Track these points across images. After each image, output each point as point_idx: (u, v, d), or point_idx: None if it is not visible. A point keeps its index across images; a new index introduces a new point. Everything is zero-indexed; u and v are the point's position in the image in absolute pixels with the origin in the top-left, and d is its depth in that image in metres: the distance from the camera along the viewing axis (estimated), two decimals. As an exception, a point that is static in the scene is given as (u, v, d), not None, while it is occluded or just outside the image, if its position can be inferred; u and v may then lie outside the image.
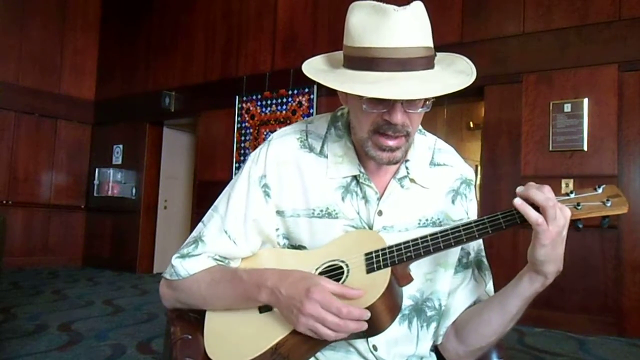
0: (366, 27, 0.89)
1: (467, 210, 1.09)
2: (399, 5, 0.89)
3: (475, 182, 1.15)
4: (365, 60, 0.89)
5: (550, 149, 4.19)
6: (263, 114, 5.90)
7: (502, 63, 4.48)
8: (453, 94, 0.89)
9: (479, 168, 4.86)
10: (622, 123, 3.98)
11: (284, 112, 5.74)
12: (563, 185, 4.02)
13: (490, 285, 1.09)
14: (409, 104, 0.90)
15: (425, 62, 0.89)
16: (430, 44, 0.92)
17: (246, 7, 6.20)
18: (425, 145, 1.09)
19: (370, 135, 0.94)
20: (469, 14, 4.68)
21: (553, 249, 0.87)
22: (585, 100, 4.09)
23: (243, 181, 1.06)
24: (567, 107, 4.15)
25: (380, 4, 0.89)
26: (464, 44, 4.63)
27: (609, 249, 3.93)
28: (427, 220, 1.04)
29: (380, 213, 1.01)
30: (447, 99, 5.65)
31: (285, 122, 5.64)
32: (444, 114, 6.16)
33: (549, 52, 4.28)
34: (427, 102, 0.92)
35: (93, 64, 7.72)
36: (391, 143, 0.93)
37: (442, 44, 4.52)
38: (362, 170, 1.02)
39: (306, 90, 5.54)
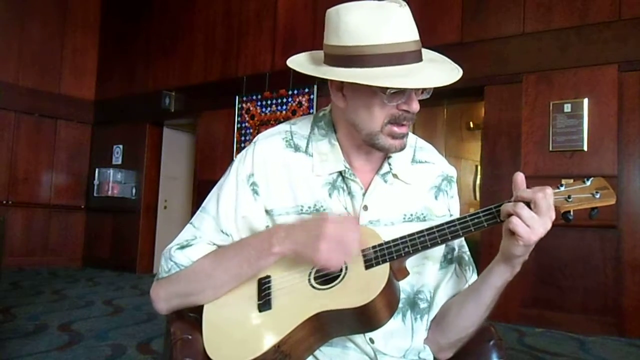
0: (374, 23, 0.93)
1: (450, 207, 1.12)
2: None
3: (458, 180, 1.18)
4: (384, 57, 0.93)
5: (550, 149, 4.19)
6: (263, 114, 5.90)
7: (502, 63, 4.47)
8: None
9: (479, 168, 4.86)
10: (622, 123, 3.98)
11: (284, 112, 5.74)
12: (563, 182, 4.01)
13: (473, 280, 1.12)
14: (419, 92, 0.98)
15: (422, 54, 0.97)
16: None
17: (246, 7, 6.20)
18: (407, 144, 1.11)
19: (383, 128, 0.98)
20: (469, 14, 4.67)
21: (530, 247, 0.92)
22: (585, 100, 4.09)
23: (231, 181, 1.08)
24: (567, 107, 4.15)
25: (381, 2, 0.94)
26: (464, 44, 4.62)
27: (609, 249, 3.93)
28: (411, 215, 1.07)
29: (365, 208, 1.04)
30: (447, 99, 5.65)
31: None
32: (444, 114, 6.15)
33: (549, 52, 4.28)
34: (428, 89, 0.99)
35: (93, 64, 7.72)
36: (404, 129, 1.00)
37: (442, 43, 4.52)
38: (347, 165, 1.05)
39: (306, 90, 5.54)
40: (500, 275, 0.99)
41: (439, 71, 0.97)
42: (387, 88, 0.92)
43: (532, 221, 0.87)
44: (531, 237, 0.88)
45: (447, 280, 1.10)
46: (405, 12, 0.93)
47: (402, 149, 1.01)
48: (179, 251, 1.04)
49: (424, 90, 0.98)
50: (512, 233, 0.90)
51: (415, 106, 0.97)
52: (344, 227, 0.93)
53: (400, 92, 0.94)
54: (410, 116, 0.98)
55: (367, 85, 0.93)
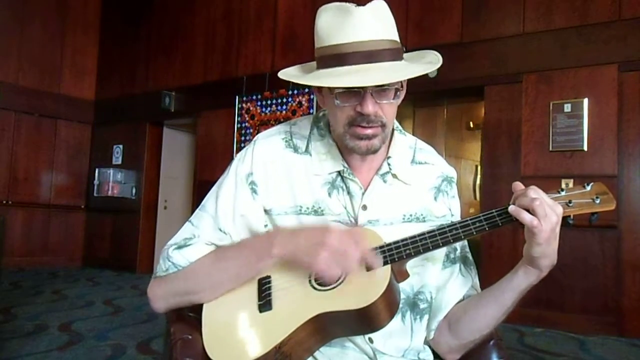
0: (332, 26, 0.95)
1: (450, 207, 1.12)
2: (365, 4, 0.95)
3: (458, 180, 1.18)
4: (333, 57, 0.94)
5: (550, 149, 4.19)
6: (263, 114, 5.90)
7: (502, 63, 4.47)
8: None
9: (478, 168, 4.85)
10: (622, 123, 3.98)
11: (284, 112, 5.74)
12: (563, 185, 4.01)
13: (476, 280, 1.12)
14: (379, 94, 0.94)
15: (391, 54, 0.94)
16: (396, 37, 0.97)
17: (246, 7, 6.20)
18: (406, 145, 1.13)
19: (347, 129, 0.98)
20: (469, 14, 4.67)
21: (548, 246, 0.92)
22: (585, 100, 4.09)
23: (230, 180, 1.08)
24: (567, 107, 4.15)
25: (343, 3, 0.95)
26: (464, 44, 4.62)
27: (609, 249, 3.93)
28: (411, 215, 1.06)
29: (364, 207, 1.04)
30: (447, 99, 5.65)
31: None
32: (444, 114, 6.15)
33: (549, 52, 4.28)
34: (398, 93, 0.97)
35: (93, 64, 7.72)
36: (368, 131, 0.97)
37: (442, 43, 4.52)
38: (346, 165, 1.05)
39: (306, 90, 5.54)
40: (525, 277, 0.97)
41: (390, 72, 0.92)
42: (335, 88, 0.93)
43: (543, 219, 0.89)
44: (542, 233, 0.89)
45: (453, 279, 1.09)
46: (366, 12, 0.93)
47: (368, 150, 0.99)
48: (176, 251, 1.04)
49: (384, 91, 0.94)
50: (529, 233, 0.91)
51: (369, 108, 0.94)
52: (348, 239, 0.91)
53: (352, 94, 0.93)
54: (371, 119, 0.95)
55: (326, 87, 0.96)
